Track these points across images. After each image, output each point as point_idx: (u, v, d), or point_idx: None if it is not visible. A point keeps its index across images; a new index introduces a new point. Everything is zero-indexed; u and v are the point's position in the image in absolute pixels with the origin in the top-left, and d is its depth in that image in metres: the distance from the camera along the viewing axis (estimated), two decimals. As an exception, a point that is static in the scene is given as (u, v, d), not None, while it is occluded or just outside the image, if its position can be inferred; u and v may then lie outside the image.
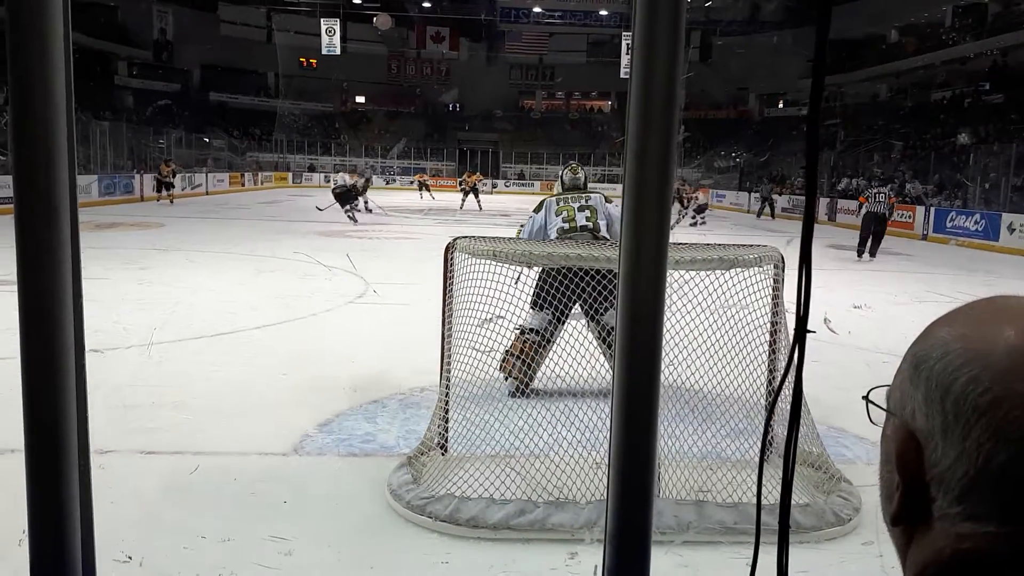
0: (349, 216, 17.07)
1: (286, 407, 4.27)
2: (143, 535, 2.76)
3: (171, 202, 22.40)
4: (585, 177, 5.33)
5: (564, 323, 4.26)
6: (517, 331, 4.36)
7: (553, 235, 4.81)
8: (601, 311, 4.01)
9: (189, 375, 4.84)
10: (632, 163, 0.92)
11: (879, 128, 29.71)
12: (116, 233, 13.40)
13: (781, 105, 40.08)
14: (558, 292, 3.88)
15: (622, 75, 36.53)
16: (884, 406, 0.56)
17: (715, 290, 3.39)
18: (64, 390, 0.99)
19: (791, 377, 0.84)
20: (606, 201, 5.04)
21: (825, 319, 6.03)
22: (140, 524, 2.86)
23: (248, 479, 3.32)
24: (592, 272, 3.70)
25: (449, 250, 3.76)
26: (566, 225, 4.84)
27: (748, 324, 3.46)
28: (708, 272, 3.36)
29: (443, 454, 3.50)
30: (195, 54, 39.58)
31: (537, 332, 4.39)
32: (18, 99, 0.94)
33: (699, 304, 3.35)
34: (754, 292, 3.47)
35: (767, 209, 25.25)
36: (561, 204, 4.97)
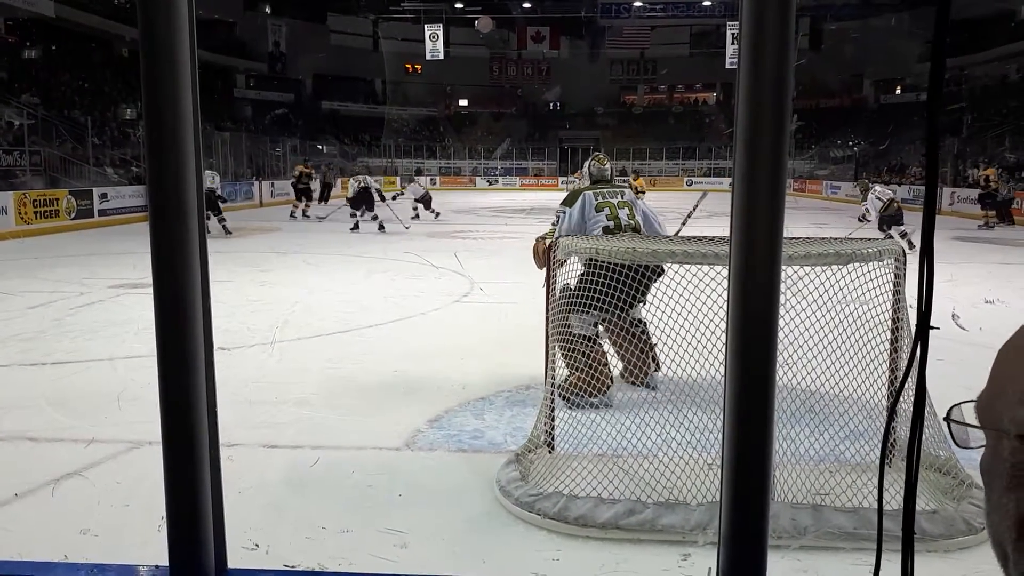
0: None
1: (398, 403, 4.39)
2: (268, 524, 2.90)
3: (304, 214, 19.02)
4: (612, 169, 4.93)
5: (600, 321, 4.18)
6: (565, 340, 3.95)
7: (597, 232, 4.42)
8: (631, 304, 3.87)
9: (308, 372, 5.06)
10: (742, 156, 0.90)
11: (1010, 112, 27.65)
12: (238, 238, 14.13)
13: (899, 91, 37.98)
14: (600, 290, 3.68)
15: (727, 66, 35.55)
16: (980, 423, 0.46)
17: (832, 286, 3.25)
18: (196, 385, 1.05)
19: (913, 375, 0.80)
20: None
21: (953, 315, 5.68)
22: (265, 514, 3.00)
23: (364, 472, 3.43)
24: (626, 267, 3.64)
25: (551, 249, 3.78)
26: (611, 223, 4.47)
27: (868, 321, 3.29)
28: (824, 267, 3.23)
29: (550, 452, 3.51)
30: (307, 64, 41.23)
31: (589, 338, 4.13)
32: (152, 116, 1.00)
33: (815, 301, 3.22)
34: (874, 288, 3.31)
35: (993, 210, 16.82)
36: (600, 200, 4.54)
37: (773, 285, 0.92)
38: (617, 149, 42.65)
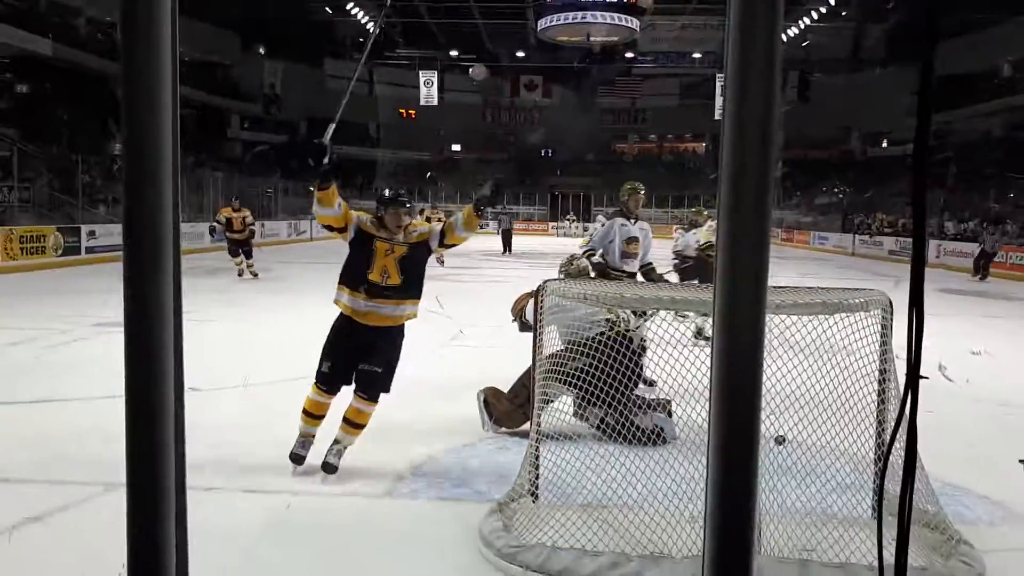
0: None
1: (379, 449, 4.31)
2: (240, 574, 2.82)
3: (243, 272, 13.90)
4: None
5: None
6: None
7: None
8: (635, 383, 3.96)
9: (287, 415, 4.97)
10: (726, 199, 0.88)
11: (993, 166, 28.16)
12: (226, 278, 14.05)
13: (885, 144, 38.64)
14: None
15: (716, 116, 36.18)
16: None
17: (818, 336, 3.24)
18: (163, 428, 1.01)
19: (904, 427, 0.78)
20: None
21: (940, 366, 5.68)
22: (238, 562, 2.92)
23: (341, 521, 3.35)
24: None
25: (540, 293, 3.76)
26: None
27: (855, 372, 3.28)
28: (811, 317, 3.22)
29: (534, 501, 3.45)
30: (301, 107, 41.62)
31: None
32: (131, 152, 0.98)
33: (802, 351, 3.20)
34: (860, 338, 3.30)
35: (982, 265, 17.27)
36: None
37: (758, 332, 0.90)
38: (607, 196, 43.07)
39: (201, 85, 32.77)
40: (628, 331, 4.36)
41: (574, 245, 26.29)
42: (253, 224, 14.18)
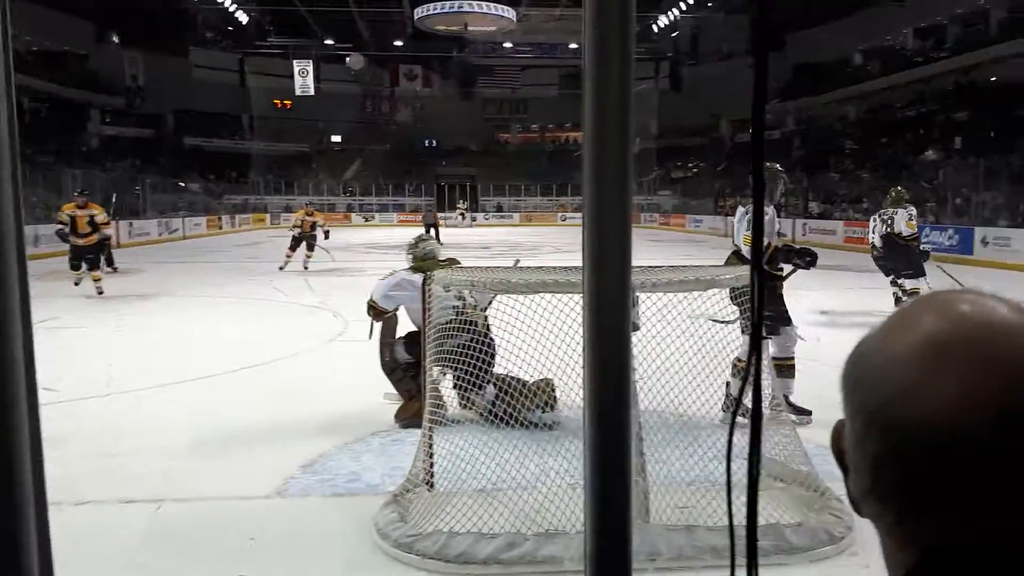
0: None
1: (269, 449, 4.20)
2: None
3: (80, 282, 10.98)
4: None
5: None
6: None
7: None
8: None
9: (170, 420, 4.76)
10: (590, 185, 0.92)
11: (847, 149, 30.21)
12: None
13: (752, 130, 40.63)
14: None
15: (595, 105, 36.87)
16: None
17: (695, 312, 3.38)
18: (16, 439, 0.95)
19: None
20: None
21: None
22: (118, 574, 2.77)
23: (227, 523, 3.24)
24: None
25: (427, 282, 3.74)
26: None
27: (730, 344, 3.45)
28: (686, 293, 3.36)
29: (429, 490, 3.44)
30: (168, 100, 39.52)
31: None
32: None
33: (679, 327, 3.33)
34: (733, 312, 3.47)
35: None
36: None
37: (624, 306, 0.94)
38: (493, 186, 43.27)
39: (55, 77, 30.61)
40: (472, 316, 4.34)
41: (465, 235, 26.15)
42: (107, 223, 11.21)
